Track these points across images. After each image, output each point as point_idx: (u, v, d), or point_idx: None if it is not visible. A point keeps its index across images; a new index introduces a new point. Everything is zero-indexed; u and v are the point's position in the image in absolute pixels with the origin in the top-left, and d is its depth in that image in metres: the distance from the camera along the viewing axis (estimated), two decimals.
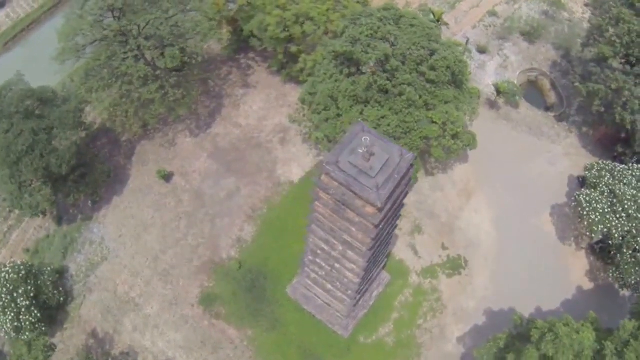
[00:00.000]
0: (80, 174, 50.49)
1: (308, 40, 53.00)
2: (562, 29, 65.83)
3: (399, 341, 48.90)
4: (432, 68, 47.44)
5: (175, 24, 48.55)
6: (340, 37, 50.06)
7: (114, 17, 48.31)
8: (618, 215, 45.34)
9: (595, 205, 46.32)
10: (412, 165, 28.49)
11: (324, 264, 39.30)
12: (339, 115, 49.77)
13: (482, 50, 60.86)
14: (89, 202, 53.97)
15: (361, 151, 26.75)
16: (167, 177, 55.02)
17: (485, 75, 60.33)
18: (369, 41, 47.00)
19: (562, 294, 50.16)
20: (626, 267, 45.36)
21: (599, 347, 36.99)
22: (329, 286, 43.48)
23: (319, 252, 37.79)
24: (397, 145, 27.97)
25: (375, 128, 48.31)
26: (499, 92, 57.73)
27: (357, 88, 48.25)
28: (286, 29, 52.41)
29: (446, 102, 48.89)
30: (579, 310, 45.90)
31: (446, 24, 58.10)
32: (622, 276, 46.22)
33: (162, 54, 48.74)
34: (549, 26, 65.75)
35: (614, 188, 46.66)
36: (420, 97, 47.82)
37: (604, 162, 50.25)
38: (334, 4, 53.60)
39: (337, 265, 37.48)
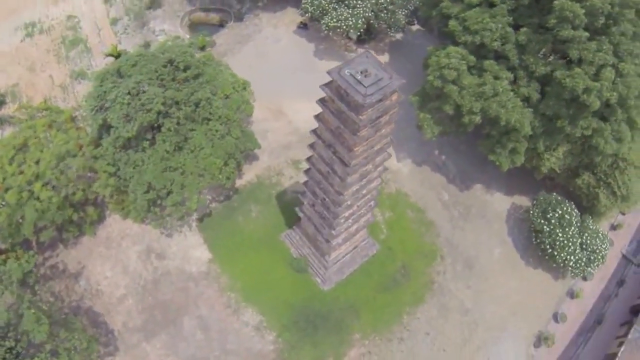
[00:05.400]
0: None
1: (70, 175, 46.32)
2: None
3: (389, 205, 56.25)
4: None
5: None
6: (107, 134, 46.15)
7: None
8: (350, 10, 58.01)
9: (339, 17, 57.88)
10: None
11: (354, 208, 42.09)
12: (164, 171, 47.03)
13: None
14: None
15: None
16: None
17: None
18: (137, 101, 44.89)
19: None
20: (392, 20, 59.47)
21: None
22: (354, 227, 46.25)
23: (348, 204, 40.17)
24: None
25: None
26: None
27: (161, 148, 46.27)
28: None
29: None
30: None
31: None
32: (398, 26, 60.53)
33: None
34: None
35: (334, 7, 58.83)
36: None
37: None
38: (50, 128, 47.59)
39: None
